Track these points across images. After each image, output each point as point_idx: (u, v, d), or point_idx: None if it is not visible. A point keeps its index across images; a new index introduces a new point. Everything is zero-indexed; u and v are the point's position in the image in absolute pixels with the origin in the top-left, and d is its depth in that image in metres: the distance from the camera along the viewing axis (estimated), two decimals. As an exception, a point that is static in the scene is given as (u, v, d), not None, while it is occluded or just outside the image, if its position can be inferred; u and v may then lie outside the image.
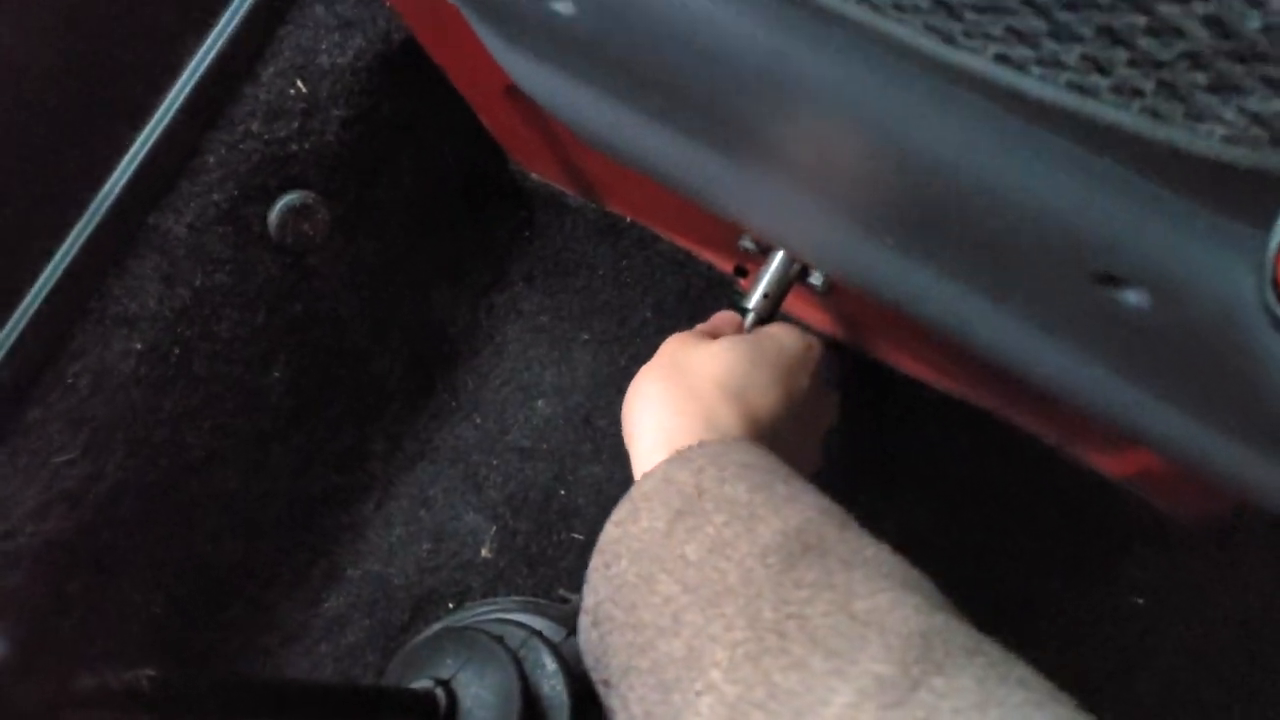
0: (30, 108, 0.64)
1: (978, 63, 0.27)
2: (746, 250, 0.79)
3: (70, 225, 0.68)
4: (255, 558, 0.83)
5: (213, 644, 0.82)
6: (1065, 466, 0.76)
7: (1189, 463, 0.46)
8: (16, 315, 0.67)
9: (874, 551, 0.40)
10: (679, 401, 0.50)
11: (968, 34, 0.26)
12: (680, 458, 0.45)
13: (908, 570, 0.39)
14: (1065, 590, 0.79)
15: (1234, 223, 0.29)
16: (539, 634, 0.77)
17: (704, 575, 0.40)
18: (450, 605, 0.86)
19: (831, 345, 0.86)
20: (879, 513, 0.83)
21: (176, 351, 0.72)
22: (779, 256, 0.70)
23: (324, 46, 0.74)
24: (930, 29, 0.27)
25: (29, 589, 0.69)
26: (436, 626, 0.83)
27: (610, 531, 0.44)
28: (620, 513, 0.44)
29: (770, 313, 0.71)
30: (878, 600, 0.36)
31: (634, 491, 0.45)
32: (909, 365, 0.82)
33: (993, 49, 0.26)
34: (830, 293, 0.74)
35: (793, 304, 0.82)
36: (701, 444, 0.46)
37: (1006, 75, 0.26)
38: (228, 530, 0.80)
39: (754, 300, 0.71)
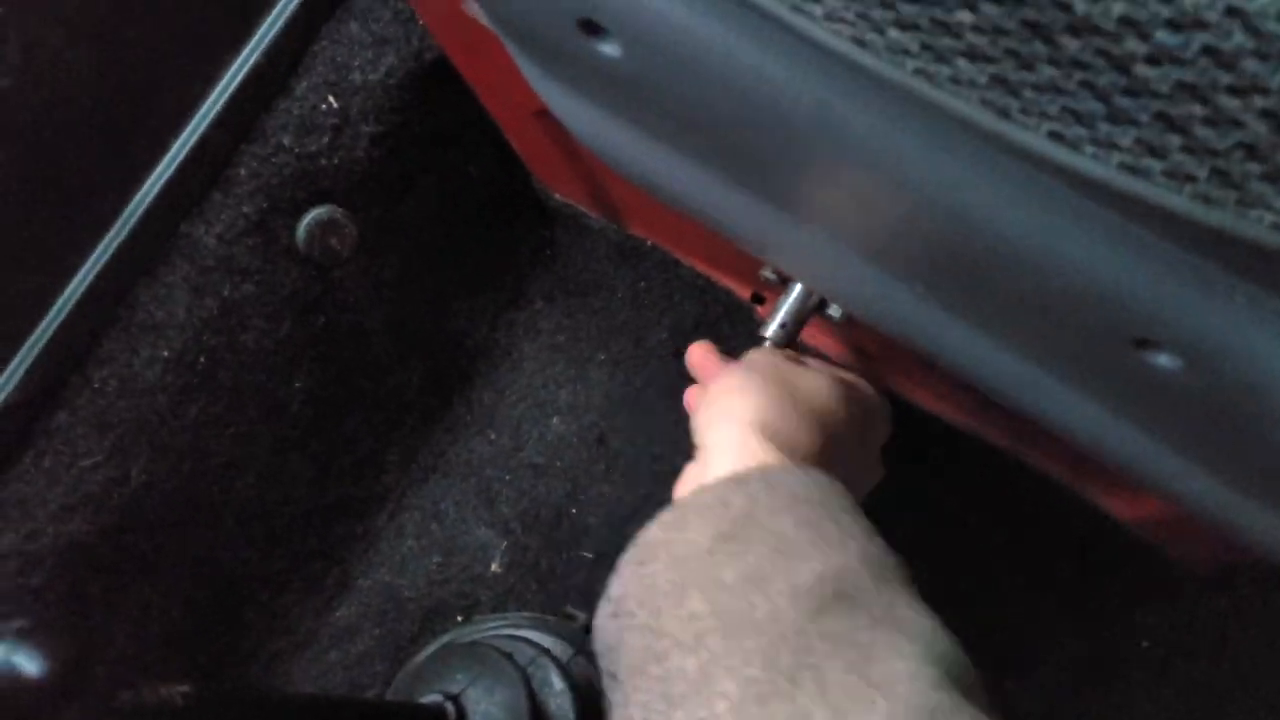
0: (69, 115, 0.65)
1: (1031, 139, 0.27)
2: (766, 279, 0.79)
3: (103, 232, 0.69)
4: (270, 564, 0.83)
5: (225, 648, 0.82)
6: (1076, 507, 0.77)
7: (1207, 518, 0.46)
8: (48, 319, 0.68)
9: (908, 613, 0.40)
10: (771, 417, 0.51)
11: (1024, 111, 0.27)
12: (737, 480, 0.45)
13: (937, 637, 0.40)
14: (1072, 631, 0.80)
15: (1275, 299, 0.30)
16: (547, 652, 0.78)
17: (735, 602, 0.40)
18: (459, 618, 0.87)
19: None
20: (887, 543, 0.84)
21: (202, 360, 0.73)
22: (798, 287, 0.71)
23: (357, 63, 0.74)
24: (986, 103, 0.28)
25: (50, 589, 0.70)
26: (444, 639, 0.84)
27: (653, 532, 0.45)
28: (667, 517, 0.45)
29: (787, 342, 0.72)
30: (895, 667, 0.37)
31: (686, 501, 0.45)
32: (924, 398, 0.83)
33: (1047, 126, 0.27)
34: (847, 324, 0.75)
35: (809, 333, 0.82)
36: (762, 468, 0.46)
37: (1060, 153, 0.27)
38: (244, 536, 0.81)
39: (772, 329, 0.72)
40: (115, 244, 0.69)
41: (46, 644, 0.34)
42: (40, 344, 0.68)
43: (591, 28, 0.41)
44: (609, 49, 0.42)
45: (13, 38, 0.61)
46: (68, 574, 0.71)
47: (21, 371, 0.67)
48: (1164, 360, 0.36)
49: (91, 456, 0.71)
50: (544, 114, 0.64)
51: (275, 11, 0.71)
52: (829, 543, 0.42)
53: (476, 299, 0.92)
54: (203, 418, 0.75)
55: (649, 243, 0.90)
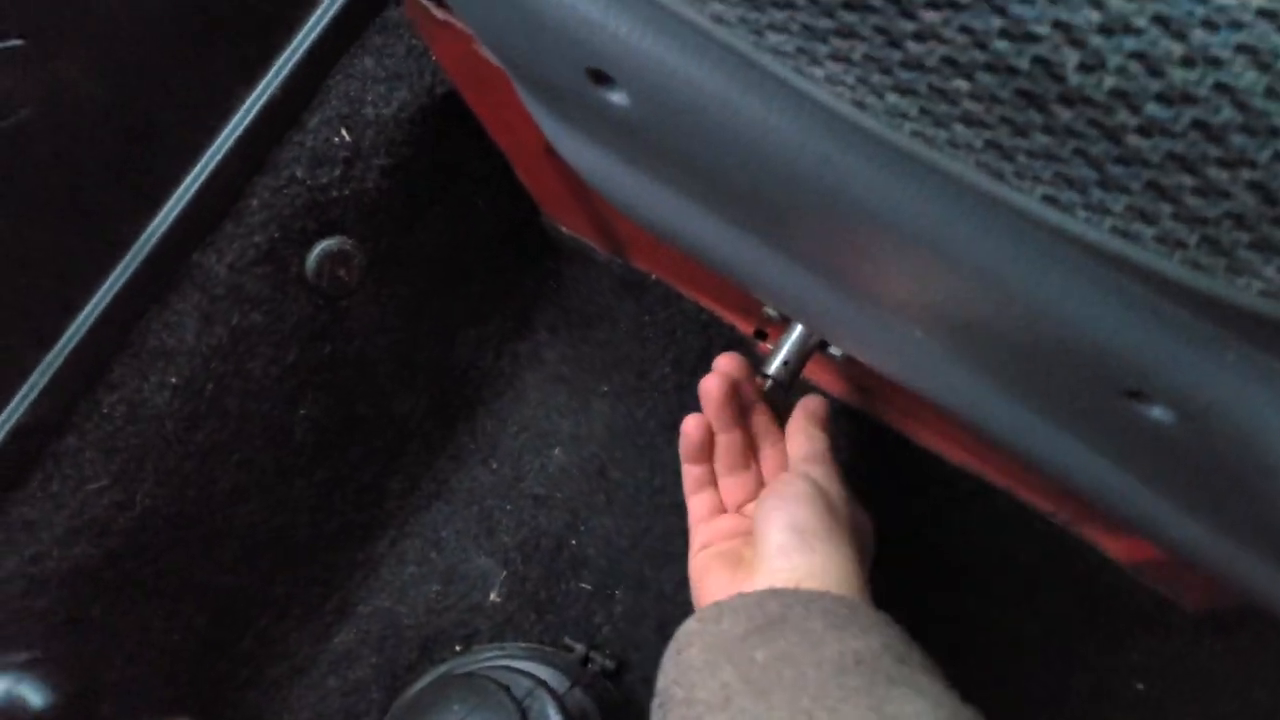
0: (86, 144, 0.66)
1: (1025, 201, 0.28)
2: (769, 316, 0.80)
3: (117, 260, 0.70)
4: (271, 590, 0.84)
5: (224, 673, 0.83)
6: (1073, 547, 0.77)
7: (1201, 565, 0.47)
8: (60, 344, 0.69)
9: (924, 679, 0.43)
10: (824, 544, 0.55)
11: (1018, 175, 0.28)
12: (775, 591, 0.49)
13: (954, 703, 0.42)
14: (1066, 670, 0.80)
15: (1264, 357, 0.31)
16: (544, 684, 0.78)
17: (765, 673, 0.44)
18: (457, 647, 0.87)
19: (846, 412, 0.87)
20: (885, 581, 0.84)
21: (210, 387, 0.74)
22: (800, 326, 0.72)
23: (370, 98, 0.76)
24: (981, 166, 0.28)
25: (53, 613, 0.70)
26: (442, 669, 0.84)
27: (690, 624, 0.49)
28: (704, 613, 0.49)
29: (790, 379, 0.73)
30: (907, 709, 0.40)
31: (724, 601, 0.50)
32: (924, 436, 0.84)
33: (1041, 190, 0.28)
34: (848, 362, 0.75)
35: (811, 370, 0.83)
36: (796, 589, 0.50)
37: (1053, 215, 0.28)
38: (246, 562, 0.81)
39: (774, 366, 0.73)
40: (129, 271, 0.70)
41: (52, 676, 0.34)
42: (52, 369, 0.69)
43: (600, 77, 0.42)
44: (617, 97, 0.43)
45: (34, 69, 0.63)
46: (71, 598, 0.71)
47: (33, 395, 0.68)
48: (1157, 412, 0.36)
49: (98, 481, 0.71)
50: (552, 150, 0.65)
51: (292, 45, 0.73)
52: (852, 635, 0.46)
53: (482, 329, 0.93)
54: (208, 444, 0.75)
55: (653, 277, 0.91)
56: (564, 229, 0.92)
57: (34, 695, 0.34)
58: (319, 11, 0.73)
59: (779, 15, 0.29)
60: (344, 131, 0.75)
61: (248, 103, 0.72)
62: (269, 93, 0.72)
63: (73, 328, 0.69)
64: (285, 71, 0.73)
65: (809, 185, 0.38)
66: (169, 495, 0.74)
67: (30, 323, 0.68)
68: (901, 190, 0.35)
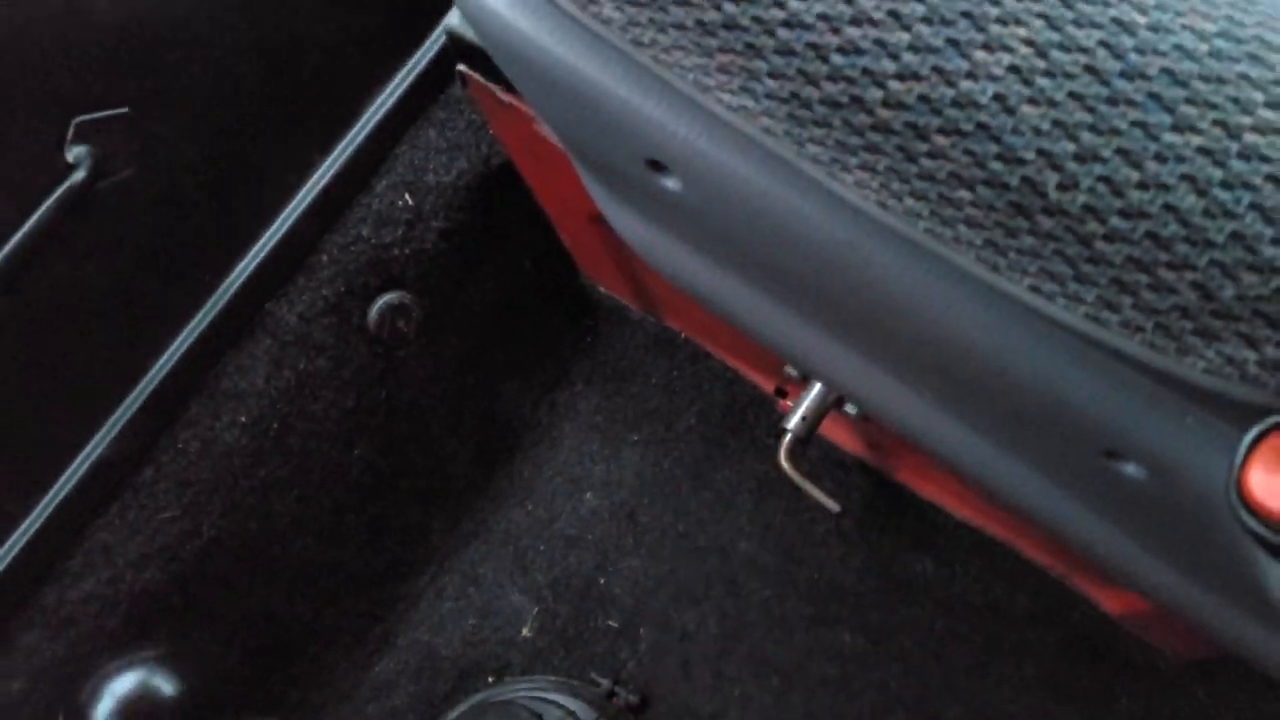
0: (178, 200, 0.73)
1: (1015, 289, 0.35)
2: (789, 376, 0.86)
3: (198, 306, 0.76)
4: (321, 619, 0.89)
5: (274, 697, 0.88)
6: (1067, 598, 0.82)
7: (1181, 614, 0.52)
8: (143, 383, 0.75)
9: None
10: None
11: (1010, 268, 0.34)
12: None
13: None
14: (1058, 712, 0.84)
15: (1218, 421, 0.37)
16: (574, 715, 0.83)
17: None
18: (490, 678, 0.92)
19: (859, 467, 0.93)
20: (888, 626, 0.89)
21: (275, 426, 0.80)
22: (818, 385, 0.77)
23: (432, 166, 0.83)
24: (980, 260, 0.35)
25: (124, 633, 0.76)
26: (476, 699, 0.89)
27: None
28: None
29: (807, 434, 0.79)
30: None
31: None
32: (929, 490, 0.89)
33: (1028, 281, 0.34)
34: (862, 420, 0.81)
35: (827, 427, 0.89)
36: None
37: (1037, 301, 0.34)
38: (300, 592, 0.87)
39: (793, 422, 0.78)
40: (208, 318, 0.76)
41: (181, 668, 0.39)
42: (135, 406, 0.75)
43: (657, 165, 0.49)
44: (671, 183, 0.49)
45: (135, 134, 0.69)
46: (140, 617, 0.77)
47: (116, 430, 0.75)
48: (1131, 470, 0.42)
49: (170, 511, 0.77)
50: (595, 219, 0.71)
51: (364, 117, 0.80)
52: None
53: (523, 381, 0.99)
54: (271, 479, 0.81)
55: (683, 335, 0.97)
56: (602, 289, 0.99)
57: (167, 685, 0.39)
58: (390, 88, 0.81)
59: (818, 132, 0.36)
60: (408, 196, 0.82)
61: (323, 168, 0.79)
62: (342, 159, 0.79)
63: (155, 368, 0.76)
64: (358, 141, 0.80)
65: (836, 264, 0.45)
66: (233, 526, 0.80)
67: (117, 363, 0.75)
68: (913, 273, 0.41)
